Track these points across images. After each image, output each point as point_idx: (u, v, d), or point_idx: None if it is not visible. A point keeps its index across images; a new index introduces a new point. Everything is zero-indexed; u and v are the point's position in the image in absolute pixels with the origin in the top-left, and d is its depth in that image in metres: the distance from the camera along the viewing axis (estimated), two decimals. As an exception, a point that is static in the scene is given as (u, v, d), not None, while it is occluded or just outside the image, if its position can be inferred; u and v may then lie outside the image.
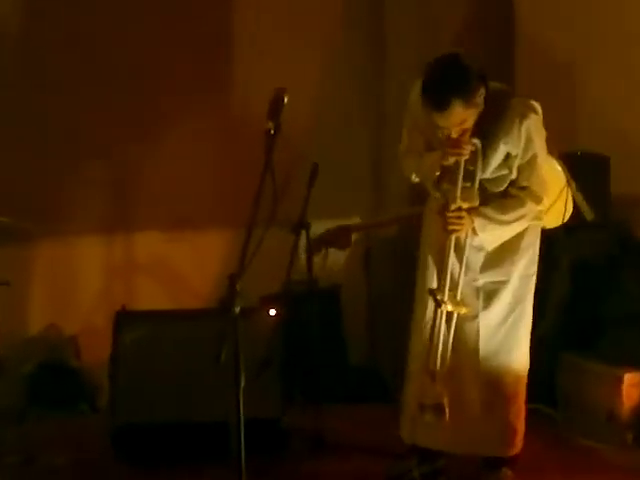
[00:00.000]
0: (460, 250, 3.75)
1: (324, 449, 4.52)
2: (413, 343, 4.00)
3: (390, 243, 5.63)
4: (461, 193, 3.67)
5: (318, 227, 4.61)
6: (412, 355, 4.00)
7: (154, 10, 5.46)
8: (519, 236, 3.84)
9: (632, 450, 4.48)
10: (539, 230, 3.93)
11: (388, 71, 5.69)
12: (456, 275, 3.76)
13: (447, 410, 3.71)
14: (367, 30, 5.87)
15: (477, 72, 3.54)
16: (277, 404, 4.45)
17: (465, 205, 3.67)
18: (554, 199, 4.04)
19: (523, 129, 3.66)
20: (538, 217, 3.84)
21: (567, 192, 4.13)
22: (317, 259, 5.04)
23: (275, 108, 2.88)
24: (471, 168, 3.66)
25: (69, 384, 5.29)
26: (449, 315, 3.73)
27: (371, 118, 5.65)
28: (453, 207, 3.66)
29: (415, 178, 3.92)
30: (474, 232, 3.71)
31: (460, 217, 3.66)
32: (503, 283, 3.85)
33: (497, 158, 3.69)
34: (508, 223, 3.73)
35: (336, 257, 5.04)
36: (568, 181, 4.19)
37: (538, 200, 3.75)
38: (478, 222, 3.69)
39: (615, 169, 4.91)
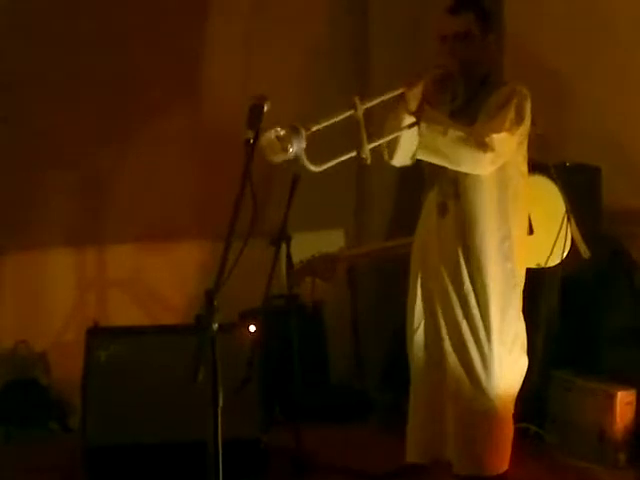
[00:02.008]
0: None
1: (306, 471, 4.50)
2: (409, 358, 4.03)
3: (371, 259, 5.63)
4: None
5: (299, 240, 4.58)
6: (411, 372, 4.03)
7: (124, 14, 5.42)
8: None
9: (624, 471, 4.48)
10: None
11: (372, 75, 5.70)
12: None
13: None
14: (350, 33, 5.88)
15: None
16: (256, 424, 4.44)
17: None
18: (555, 232, 4.08)
19: (512, 90, 3.72)
20: (486, 147, 3.58)
21: (567, 226, 4.16)
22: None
23: (255, 116, 2.86)
24: None
25: (39, 402, 5.25)
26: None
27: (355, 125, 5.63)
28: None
29: (388, 157, 3.84)
30: (420, 116, 3.55)
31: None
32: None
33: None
34: (451, 130, 3.55)
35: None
36: (568, 215, 4.21)
37: (485, 146, 3.58)
38: (430, 115, 3.55)
39: (607, 181, 4.92)
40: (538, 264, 4.45)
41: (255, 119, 2.84)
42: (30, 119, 5.28)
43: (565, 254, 4.41)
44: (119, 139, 5.55)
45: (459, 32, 3.71)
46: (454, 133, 3.56)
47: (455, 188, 3.80)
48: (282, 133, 2.92)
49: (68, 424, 5.26)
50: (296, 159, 3.00)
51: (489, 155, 3.59)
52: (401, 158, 3.82)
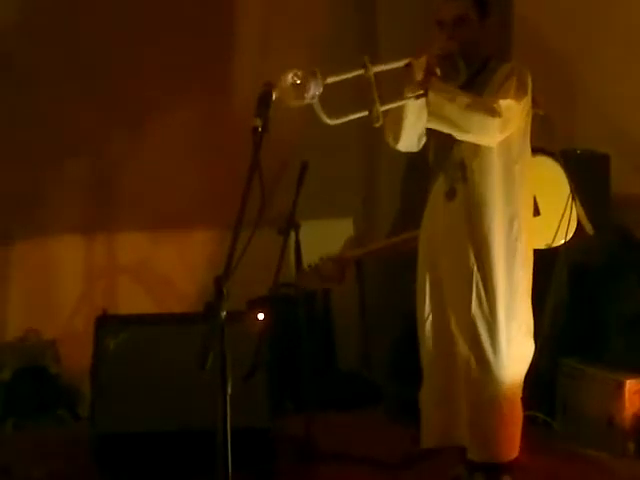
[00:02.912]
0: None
1: (315, 459, 4.51)
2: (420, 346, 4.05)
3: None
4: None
5: (308, 228, 4.59)
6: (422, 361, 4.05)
7: (136, 8, 5.42)
8: None
9: (634, 459, 4.48)
10: None
11: (383, 58, 5.67)
12: None
13: None
14: (358, 24, 5.86)
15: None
16: (265, 412, 4.44)
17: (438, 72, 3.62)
18: (560, 212, 4.09)
19: (511, 68, 3.76)
20: (496, 112, 3.60)
21: (572, 207, 4.16)
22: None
23: (263, 104, 2.86)
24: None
25: (48, 390, 5.27)
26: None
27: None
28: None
29: (393, 140, 3.85)
30: (427, 85, 3.57)
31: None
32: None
33: None
34: (460, 97, 3.59)
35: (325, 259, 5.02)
36: (572, 194, 4.21)
37: (493, 111, 3.60)
38: (437, 84, 3.59)
39: (615, 168, 4.90)
40: (547, 244, 4.45)
41: (264, 107, 2.84)
42: (40, 109, 5.29)
43: (571, 233, 4.41)
44: (129, 128, 5.55)
45: (457, 16, 3.75)
46: (462, 100, 3.58)
47: (462, 172, 3.82)
48: (300, 74, 2.93)
49: (78, 412, 5.28)
50: (313, 106, 3.02)
51: (497, 120, 3.61)
52: (407, 142, 3.84)
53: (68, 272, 5.55)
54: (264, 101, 2.86)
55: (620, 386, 4.52)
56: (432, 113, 3.61)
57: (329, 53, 5.50)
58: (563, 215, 4.41)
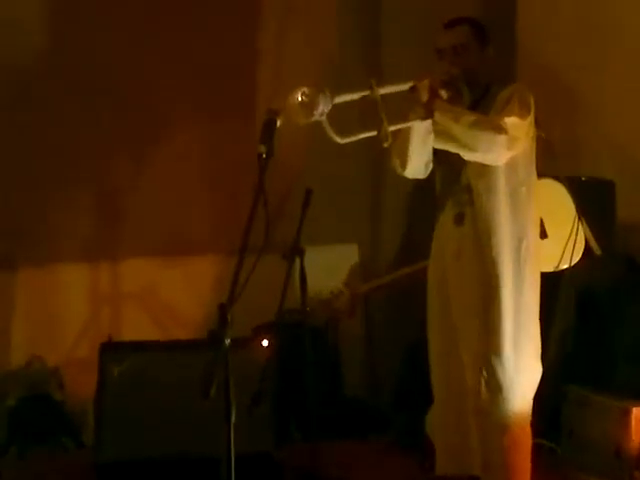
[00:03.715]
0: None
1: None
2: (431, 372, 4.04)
3: (387, 273, 5.61)
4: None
5: (312, 253, 4.58)
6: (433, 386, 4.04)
7: (140, 30, 5.44)
8: None
9: (640, 488, 4.45)
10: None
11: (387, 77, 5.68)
12: None
13: None
14: (363, 40, 5.89)
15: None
16: (270, 438, 4.45)
17: (444, 94, 3.66)
18: (566, 234, 4.12)
19: (512, 90, 3.78)
20: (502, 129, 3.62)
21: (578, 228, 4.16)
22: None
23: (267, 131, 2.87)
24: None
25: (52, 418, 5.26)
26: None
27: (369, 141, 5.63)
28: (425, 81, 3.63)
29: (400, 167, 3.87)
30: (432, 106, 3.61)
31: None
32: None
33: None
34: (466, 115, 3.63)
35: (331, 285, 5.01)
36: (578, 215, 4.20)
37: (500, 128, 3.62)
38: (442, 104, 3.63)
39: (621, 195, 4.90)
40: (555, 267, 4.44)
41: (268, 134, 2.85)
42: (46, 133, 5.31)
43: (578, 255, 4.41)
44: (135, 153, 5.58)
45: (456, 44, 3.80)
46: (468, 118, 3.62)
47: (469, 195, 3.83)
48: (308, 92, 2.95)
49: (82, 439, 5.26)
50: (322, 123, 3.06)
51: (504, 137, 3.63)
52: (414, 168, 3.88)
53: (72, 298, 5.55)
54: (268, 128, 2.87)
55: (627, 414, 4.48)
56: (439, 133, 3.64)
57: (335, 68, 5.53)
58: (570, 237, 4.40)
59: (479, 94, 3.84)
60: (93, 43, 5.38)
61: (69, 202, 5.48)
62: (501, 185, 3.81)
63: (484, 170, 3.78)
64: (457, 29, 3.82)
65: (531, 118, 3.76)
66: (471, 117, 3.63)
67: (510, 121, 3.65)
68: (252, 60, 5.73)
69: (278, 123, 2.88)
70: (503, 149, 3.67)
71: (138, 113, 5.46)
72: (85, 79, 5.38)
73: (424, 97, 3.60)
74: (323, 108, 3.01)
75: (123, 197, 5.59)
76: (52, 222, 5.44)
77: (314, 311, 4.66)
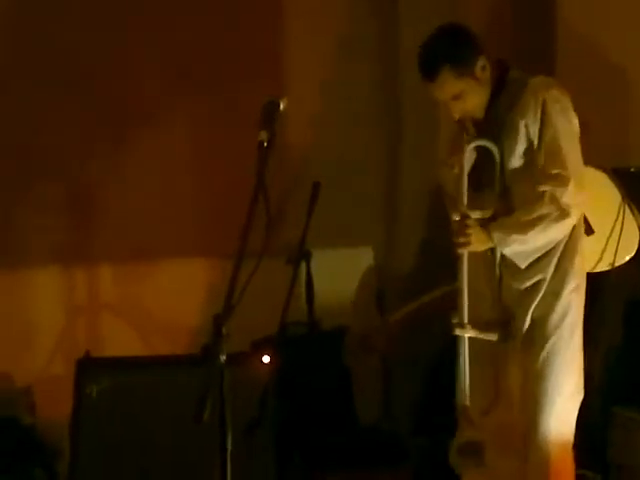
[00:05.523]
0: (490, 268, 3.87)
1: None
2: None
3: (405, 281, 5.62)
4: (474, 200, 3.79)
5: (320, 257, 4.57)
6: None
7: (118, 22, 5.47)
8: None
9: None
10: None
11: (404, 70, 5.68)
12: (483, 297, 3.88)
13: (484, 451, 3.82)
14: (379, 24, 5.88)
15: (475, 43, 3.83)
16: (271, 469, 4.44)
17: (475, 214, 3.77)
18: (610, 227, 4.20)
19: (539, 102, 3.79)
20: (565, 213, 3.77)
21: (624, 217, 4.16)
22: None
23: (269, 116, 2.85)
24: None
25: (22, 444, 5.26)
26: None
27: (384, 127, 5.66)
28: (456, 217, 3.79)
29: None
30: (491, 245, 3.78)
31: (466, 227, 3.75)
32: None
33: (520, 142, 3.81)
34: (528, 227, 3.73)
35: (342, 293, 5.02)
36: (626, 203, 4.19)
37: (564, 182, 3.72)
38: (497, 235, 3.75)
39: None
40: (610, 264, 4.45)
41: (269, 119, 2.83)
42: (12, 129, 5.31)
43: (635, 247, 4.41)
44: (114, 146, 5.57)
45: (448, 96, 3.82)
46: (525, 229, 3.73)
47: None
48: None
49: (56, 470, 5.26)
50: None
51: (573, 216, 3.76)
52: None
53: (44, 308, 5.56)
54: (270, 112, 2.85)
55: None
56: (511, 253, 3.79)
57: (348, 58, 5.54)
58: (622, 228, 4.40)
59: (504, 124, 3.86)
60: (57, 32, 5.41)
61: (38, 203, 5.49)
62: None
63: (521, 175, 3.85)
64: (440, 80, 3.79)
65: (577, 128, 3.82)
66: (528, 217, 3.72)
67: (565, 194, 3.71)
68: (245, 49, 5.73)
69: (281, 106, 2.87)
70: (576, 217, 3.80)
71: (117, 95, 5.48)
72: (54, 71, 5.41)
73: (479, 248, 3.77)
74: None
75: (99, 192, 5.60)
76: (19, 223, 5.46)
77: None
